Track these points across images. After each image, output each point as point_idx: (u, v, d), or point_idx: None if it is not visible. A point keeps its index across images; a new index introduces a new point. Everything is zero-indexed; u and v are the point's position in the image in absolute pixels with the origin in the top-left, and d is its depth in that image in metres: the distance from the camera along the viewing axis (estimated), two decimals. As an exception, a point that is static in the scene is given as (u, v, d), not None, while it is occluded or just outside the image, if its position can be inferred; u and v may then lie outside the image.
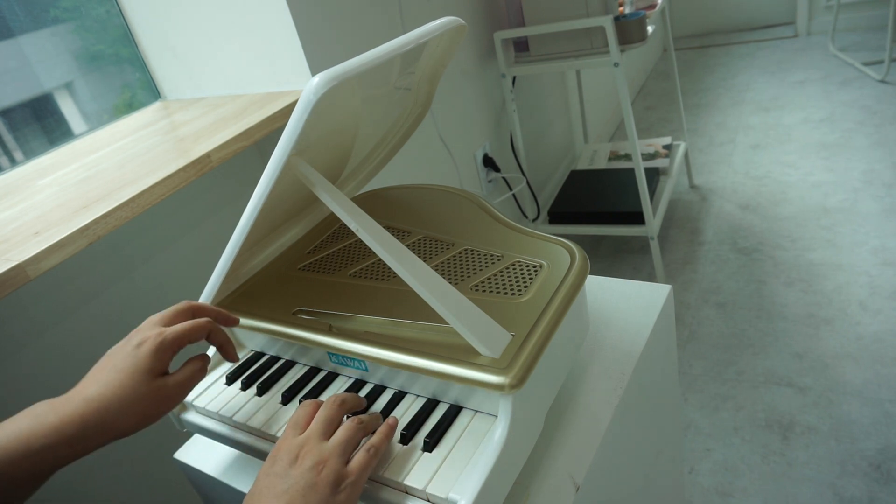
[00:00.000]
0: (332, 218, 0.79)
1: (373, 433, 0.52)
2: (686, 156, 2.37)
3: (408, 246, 0.67)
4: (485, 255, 0.64)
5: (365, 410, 0.56)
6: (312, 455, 0.46)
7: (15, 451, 0.45)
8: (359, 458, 0.48)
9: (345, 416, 0.53)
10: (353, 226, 0.55)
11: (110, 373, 0.49)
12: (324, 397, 0.59)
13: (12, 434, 0.46)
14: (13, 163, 1.12)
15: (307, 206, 0.77)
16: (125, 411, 0.48)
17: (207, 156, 0.93)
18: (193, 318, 0.56)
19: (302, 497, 0.44)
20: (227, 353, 0.58)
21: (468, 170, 1.79)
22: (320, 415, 0.50)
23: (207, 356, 0.56)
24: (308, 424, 0.50)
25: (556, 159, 2.44)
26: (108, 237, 0.97)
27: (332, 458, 0.47)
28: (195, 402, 0.64)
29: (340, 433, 0.49)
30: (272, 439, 0.58)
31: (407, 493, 0.49)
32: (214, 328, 0.56)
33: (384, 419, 0.54)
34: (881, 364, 1.51)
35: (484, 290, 0.59)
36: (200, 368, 0.53)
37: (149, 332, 0.52)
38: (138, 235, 1.02)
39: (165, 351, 0.51)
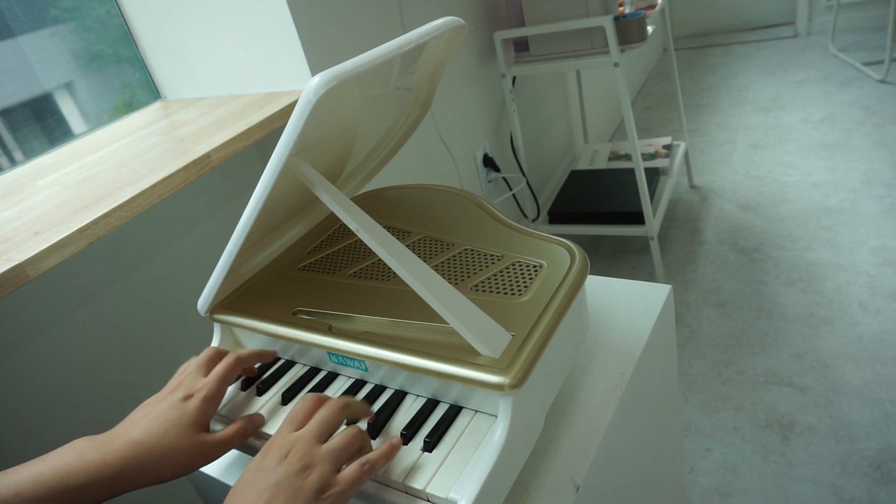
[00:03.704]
0: (332, 218, 0.79)
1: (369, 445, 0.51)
2: (686, 156, 2.37)
3: (408, 246, 0.67)
4: (485, 255, 0.64)
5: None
6: (303, 457, 0.45)
7: (55, 486, 0.45)
8: (351, 470, 0.46)
9: (345, 422, 0.52)
10: (353, 226, 0.55)
11: (154, 420, 0.50)
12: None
13: (54, 468, 0.46)
14: (13, 163, 1.12)
15: (307, 206, 0.77)
16: (166, 460, 0.49)
17: (207, 156, 0.93)
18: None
19: (284, 498, 0.43)
20: (266, 359, 0.63)
21: (468, 170, 1.79)
22: (319, 415, 0.49)
23: (261, 418, 0.57)
24: (306, 421, 0.49)
25: (556, 159, 2.44)
26: (108, 237, 0.97)
27: (322, 463, 0.45)
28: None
29: (337, 440, 0.47)
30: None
31: (407, 493, 0.49)
32: (243, 358, 0.58)
33: (382, 422, 0.54)
34: (881, 364, 1.51)
35: (484, 290, 0.59)
36: (244, 434, 0.53)
37: (192, 385, 0.53)
38: (138, 235, 1.02)
39: (211, 405, 0.53)
